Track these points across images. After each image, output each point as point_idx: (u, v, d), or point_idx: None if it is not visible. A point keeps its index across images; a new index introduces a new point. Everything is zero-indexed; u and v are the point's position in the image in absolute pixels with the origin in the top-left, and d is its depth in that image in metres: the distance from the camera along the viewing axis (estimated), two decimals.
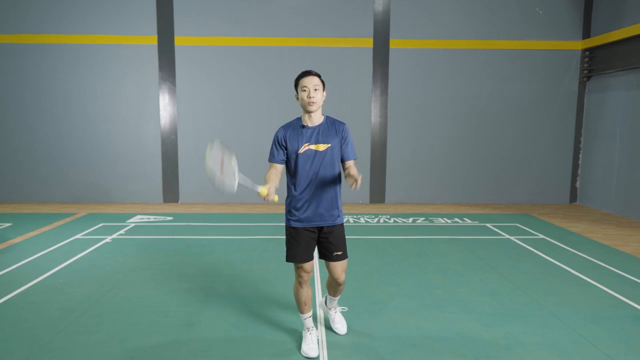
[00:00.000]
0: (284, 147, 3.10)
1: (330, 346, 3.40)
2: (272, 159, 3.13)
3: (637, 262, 5.46)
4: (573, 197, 9.63)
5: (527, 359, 3.23)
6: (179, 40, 9.02)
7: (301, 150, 3.06)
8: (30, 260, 5.34)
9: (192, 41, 9.03)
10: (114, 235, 6.53)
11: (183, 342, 3.45)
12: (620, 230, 7.16)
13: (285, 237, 3.22)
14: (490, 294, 4.41)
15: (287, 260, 3.19)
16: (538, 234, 6.79)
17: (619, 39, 8.23)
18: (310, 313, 3.35)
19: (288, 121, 3.24)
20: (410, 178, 9.46)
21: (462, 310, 4.03)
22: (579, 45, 9.24)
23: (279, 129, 3.15)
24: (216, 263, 5.34)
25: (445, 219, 7.85)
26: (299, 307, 3.33)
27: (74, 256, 5.52)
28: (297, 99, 3.10)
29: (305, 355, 3.23)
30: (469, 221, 7.66)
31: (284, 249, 3.23)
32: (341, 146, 3.14)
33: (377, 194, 9.45)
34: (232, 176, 2.77)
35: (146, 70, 9.06)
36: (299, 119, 3.16)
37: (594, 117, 9.17)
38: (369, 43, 9.13)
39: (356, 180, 2.85)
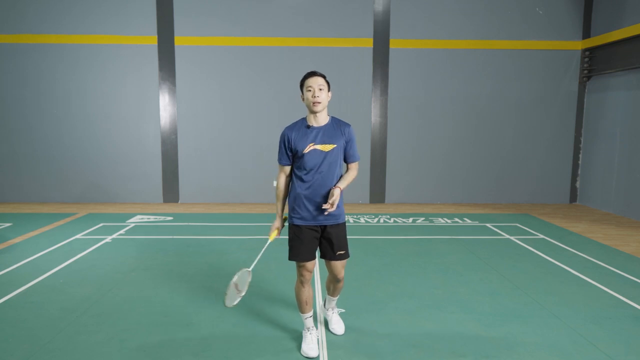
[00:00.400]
0: (290, 147, 3.14)
1: (330, 346, 3.40)
2: (280, 161, 3.21)
3: (637, 262, 5.46)
4: (573, 197, 9.63)
5: (527, 359, 3.23)
6: (179, 40, 9.02)
7: (306, 150, 3.09)
8: (30, 260, 5.34)
9: (192, 41, 9.03)
10: (114, 235, 6.53)
11: (183, 342, 3.45)
12: (620, 230, 7.16)
13: (287, 235, 3.26)
14: (490, 294, 4.41)
15: (290, 258, 3.21)
16: (538, 234, 6.79)
17: (619, 39, 8.23)
18: (311, 313, 3.36)
19: (292, 121, 3.27)
20: (410, 178, 9.46)
21: (462, 310, 4.03)
22: (579, 45, 9.24)
23: (285, 129, 3.18)
24: (216, 263, 5.34)
25: (445, 219, 7.85)
26: (300, 307, 3.33)
27: (74, 256, 5.52)
28: (303, 99, 3.13)
29: (305, 355, 3.23)
30: (469, 221, 7.66)
31: (285, 248, 3.24)
32: (345, 147, 3.19)
33: (377, 194, 9.45)
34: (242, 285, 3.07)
35: (146, 70, 9.07)
36: (304, 119, 3.19)
37: (594, 117, 9.17)
38: (369, 43, 9.13)
39: (332, 205, 2.98)
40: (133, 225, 7.23)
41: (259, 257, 3.16)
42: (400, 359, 3.23)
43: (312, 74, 3.09)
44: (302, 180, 3.14)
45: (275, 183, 3.21)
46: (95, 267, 5.13)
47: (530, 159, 9.50)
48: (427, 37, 9.16)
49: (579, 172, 9.56)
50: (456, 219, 7.80)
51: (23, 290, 4.42)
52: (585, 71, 9.18)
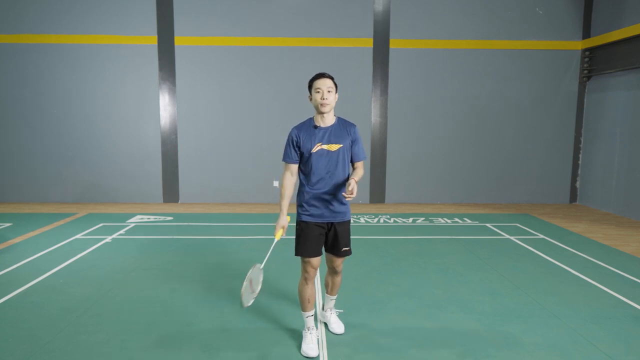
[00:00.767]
0: (298, 147, 3.21)
1: (330, 346, 3.40)
2: (287, 159, 3.25)
3: (637, 262, 5.46)
4: (573, 197, 9.63)
5: (527, 359, 3.23)
6: (179, 40, 9.02)
7: (314, 150, 3.17)
8: (30, 260, 5.34)
9: (192, 41, 9.03)
10: (114, 235, 6.53)
11: (183, 342, 3.45)
12: (620, 230, 7.16)
13: (295, 231, 3.31)
14: (490, 294, 4.41)
15: (297, 254, 3.26)
16: (538, 234, 6.79)
17: (619, 39, 8.23)
18: (312, 312, 3.39)
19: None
20: (410, 178, 9.46)
21: (462, 310, 4.03)
22: (579, 45, 9.24)
23: (292, 129, 3.24)
24: (216, 263, 5.34)
25: (445, 219, 7.85)
26: (302, 304, 3.36)
27: (74, 256, 5.52)
28: (310, 100, 3.20)
29: (305, 355, 3.24)
30: (469, 221, 7.66)
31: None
32: (351, 147, 3.27)
33: (377, 194, 9.45)
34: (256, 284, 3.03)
35: (146, 70, 9.07)
36: (312, 119, 3.26)
37: (594, 117, 9.17)
38: (369, 43, 9.13)
39: (352, 193, 2.99)
40: (133, 225, 7.23)
41: (268, 255, 3.17)
42: (400, 359, 3.23)
43: (321, 75, 3.16)
44: (310, 178, 3.22)
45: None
46: (95, 267, 5.13)
47: (530, 159, 9.50)
48: (427, 37, 9.16)
49: (579, 172, 9.56)
50: (456, 219, 7.80)
51: (23, 290, 4.42)
52: (585, 71, 9.18)
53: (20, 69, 8.96)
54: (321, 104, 3.13)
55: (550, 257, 5.63)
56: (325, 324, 3.71)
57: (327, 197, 3.21)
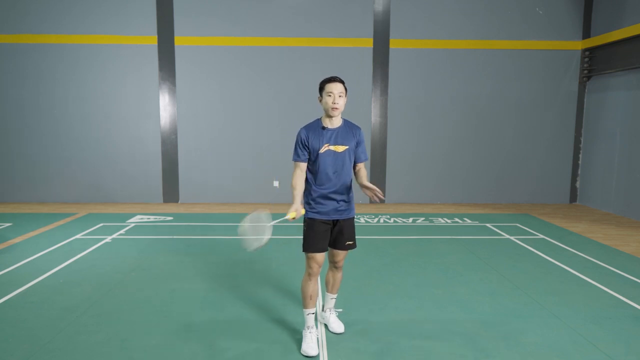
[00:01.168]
0: (307, 146, 3.32)
1: (330, 345, 3.40)
2: (297, 158, 3.36)
3: (637, 262, 5.46)
4: (573, 197, 9.63)
5: (527, 359, 3.23)
6: (179, 40, 9.02)
7: (322, 150, 3.29)
8: (30, 260, 5.34)
9: (192, 41, 9.03)
10: (114, 235, 6.53)
11: (183, 342, 3.45)
12: (620, 230, 7.16)
13: (302, 228, 3.41)
14: (490, 294, 4.41)
15: (304, 250, 3.35)
16: (538, 234, 6.79)
17: (619, 39, 8.23)
18: (314, 310, 3.42)
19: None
20: (410, 178, 9.46)
21: (462, 310, 4.03)
22: (579, 45, 9.24)
23: (301, 129, 3.35)
24: (216, 263, 5.34)
25: (445, 219, 7.85)
26: (304, 301, 3.40)
27: (74, 256, 5.52)
28: (320, 101, 3.29)
29: (305, 354, 3.25)
30: (469, 221, 7.66)
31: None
32: (356, 149, 3.39)
33: None
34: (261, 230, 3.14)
35: (146, 70, 9.07)
36: (319, 120, 3.37)
37: (594, 117, 9.17)
38: (369, 43, 9.13)
39: (375, 193, 3.13)
40: (133, 225, 7.23)
41: (275, 222, 3.21)
42: (400, 359, 3.23)
43: (334, 79, 3.24)
44: (317, 178, 3.33)
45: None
46: (95, 267, 5.13)
47: (530, 159, 9.50)
48: (427, 37, 9.16)
49: (579, 172, 9.56)
50: (456, 219, 7.80)
51: (23, 290, 4.42)
52: (585, 71, 9.18)
53: (20, 69, 8.96)
54: (332, 108, 3.23)
55: (550, 257, 5.63)
56: (326, 325, 3.71)
57: (333, 195, 3.33)
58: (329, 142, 3.30)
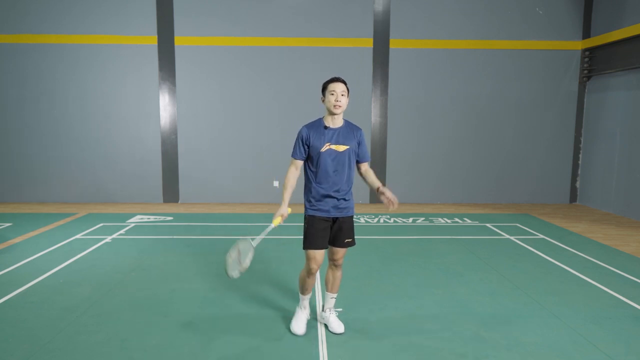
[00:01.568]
0: (307, 145, 3.39)
1: (330, 345, 3.40)
2: (295, 155, 3.43)
3: (637, 262, 5.46)
4: (573, 197, 9.63)
5: (527, 359, 3.23)
6: (179, 40, 9.02)
7: (323, 149, 3.36)
8: (30, 260, 5.34)
9: (192, 41, 9.03)
10: (114, 235, 6.53)
11: (183, 342, 3.45)
12: (620, 230, 7.16)
13: (303, 226, 3.48)
14: (490, 294, 4.41)
15: (304, 247, 3.43)
16: (538, 234, 6.79)
17: (619, 39, 8.23)
18: (309, 296, 3.65)
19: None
20: (410, 178, 9.46)
21: (462, 310, 4.03)
22: (579, 45, 9.24)
23: (303, 128, 3.42)
24: (216, 263, 5.34)
25: (445, 219, 7.85)
26: (301, 288, 3.61)
27: (74, 256, 5.52)
28: (323, 101, 3.39)
29: (292, 332, 3.51)
30: (469, 221, 7.66)
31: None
32: (357, 149, 3.47)
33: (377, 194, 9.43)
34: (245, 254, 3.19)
35: (146, 70, 9.07)
36: (321, 119, 3.45)
37: (594, 117, 9.17)
38: (369, 43, 9.13)
39: (392, 203, 3.34)
40: (133, 225, 7.23)
41: (261, 237, 3.26)
42: (400, 359, 3.23)
43: (337, 79, 3.34)
44: (317, 176, 3.40)
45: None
46: (95, 267, 5.13)
47: (530, 159, 9.50)
48: (427, 37, 9.16)
49: (579, 172, 9.56)
50: (456, 219, 7.80)
51: (23, 290, 4.42)
52: (585, 71, 9.18)
53: (20, 69, 8.96)
54: (334, 106, 3.31)
55: (550, 257, 5.63)
56: (326, 325, 3.70)
57: (333, 193, 3.39)
58: (331, 142, 3.37)
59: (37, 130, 9.11)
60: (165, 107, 9.17)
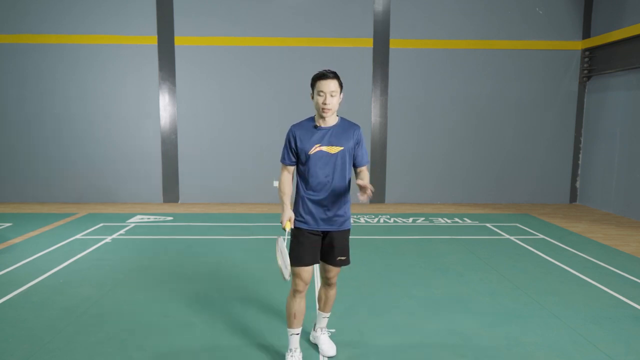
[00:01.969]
0: (295, 147, 2.99)
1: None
2: (283, 160, 3.06)
3: (637, 262, 5.46)
4: (573, 197, 9.63)
5: (527, 359, 3.23)
6: (179, 40, 9.02)
7: (312, 152, 2.94)
8: (30, 260, 5.34)
9: (192, 41, 9.03)
10: (114, 235, 6.53)
11: (183, 342, 3.45)
12: (620, 230, 7.16)
13: (289, 239, 3.05)
14: (490, 294, 4.41)
15: (291, 264, 2.95)
16: (538, 234, 6.79)
17: (619, 39, 8.23)
18: (299, 330, 3.12)
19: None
20: (410, 178, 9.46)
21: (462, 310, 4.03)
22: (579, 45, 9.24)
23: (291, 127, 3.02)
24: (216, 263, 5.34)
25: (445, 219, 7.85)
26: (288, 320, 3.09)
27: (74, 256, 5.52)
28: (312, 97, 2.97)
29: None
30: (469, 221, 7.66)
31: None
32: (354, 150, 3.03)
33: (377, 194, 9.44)
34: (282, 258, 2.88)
35: (146, 70, 9.06)
36: (312, 118, 3.03)
37: (594, 117, 9.17)
38: (369, 43, 9.13)
39: (366, 191, 2.80)
40: (133, 225, 7.23)
41: (286, 237, 2.94)
42: (399, 359, 3.23)
43: (325, 76, 2.88)
44: (307, 183, 2.99)
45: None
46: (95, 267, 5.13)
47: (530, 159, 9.50)
48: (427, 37, 9.16)
49: (579, 172, 9.56)
50: (456, 219, 7.80)
51: (23, 290, 4.42)
52: (585, 71, 9.18)
53: (20, 69, 8.96)
54: (323, 109, 2.90)
55: (550, 257, 5.63)
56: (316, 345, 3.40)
57: (324, 203, 2.97)
58: (321, 143, 2.94)
59: (37, 131, 9.11)
60: (165, 107, 9.16)
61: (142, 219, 7.71)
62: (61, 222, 7.36)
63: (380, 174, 9.41)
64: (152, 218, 7.78)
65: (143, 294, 4.38)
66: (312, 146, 2.95)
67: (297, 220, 3.01)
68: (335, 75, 2.91)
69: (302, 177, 3.03)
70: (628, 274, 5.02)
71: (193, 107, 9.20)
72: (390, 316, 3.91)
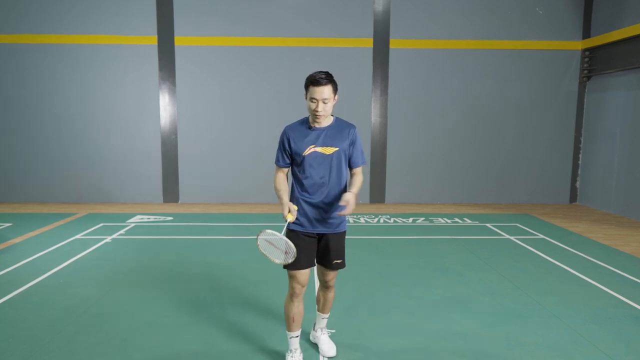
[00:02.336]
0: (289, 148, 2.95)
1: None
2: (277, 162, 3.02)
3: (637, 262, 5.46)
4: (573, 197, 9.63)
5: (527, 359, 3.23)
6: (179, 40, 9.02)
7: (306, 153, 2.90)
8: (30, 260, 5.34)
9: (192, 41, 9.03)
10: (114, 235, 6.53)
11: (183, 342, 3.45)
12: (620, 230, 7.16)
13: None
14: (490, 294, 4.41)
15: (285, 266, 2.94)
16: (538, 234, 6.79)
17: (619, 39, 8.23)
18: (298, 333, 3.11)
19: (292, 121, 3.07)
20: (410, 178, 9.46)
21: (462, 310, 4.03)
22: (579, 45, 9.24)
23: (285, 128, 3.00)
24: (216, 263, 5.34)
25: (445, 219, 7.85)
26: (287, 323, 3.08)
27: (74, 256, 5.52)
28: (306, 99, 2.92)
29: None
30: (469, 221, 7.66)
31: (280, 266, 3.01)
32: (349, 151, 2.99)
33: (377, 194, 9.45)
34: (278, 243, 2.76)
35: (146, 70, 9.06)
36: (307, 118, 3.00)
37: (594, 117, 9.17)
38: (369, 43, 9.13)
39: (346, 210, 2.77)
40: (133, 225, 7.23)
41: (283, 232, 2.77)
42: (399, 359, 3.23)
43: (318, 82, 2.79)
44: (302, 184, 2.95)
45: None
46: (95, 267, 5.13)
47: (530, 159, 9.50)
48: (427, 37, 9.16)
49: (579, 172, 9.56)
50: (456, 219, 7.80)
51: (23, 290, 4.42)
52: (585, 71, 9.18)
53: (20, 69, 8.96)
54: (315, 116, 2.86)
55: (550, 257, 5.63)
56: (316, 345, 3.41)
57: (320, 205, 2.93)
58: (316, 143, 2.91)
59: (38, 130, 9.11)
60: (165, 107, 9.16)
61: (142, 219, 7.71)
62: (61, 222, 7.36)
63: (380, 174, 9.41)
64: (152, 218, 7.78)
65: (143, 294, 4.38)
66: (307, 147, 2.91)
67: (292, 222, 2.95)
68: (329, 80, 2.83)
69: (297, 178, 2.99)
70: (628, 274, 5.02)
71: (193, 107, 9.20)
72: (390, 316, 3.91)
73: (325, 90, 2.81)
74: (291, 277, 2.98)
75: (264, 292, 4.44)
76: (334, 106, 2.94)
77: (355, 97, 9.20)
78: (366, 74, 9.19)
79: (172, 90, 9.13)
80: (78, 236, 6.48)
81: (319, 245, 3.04)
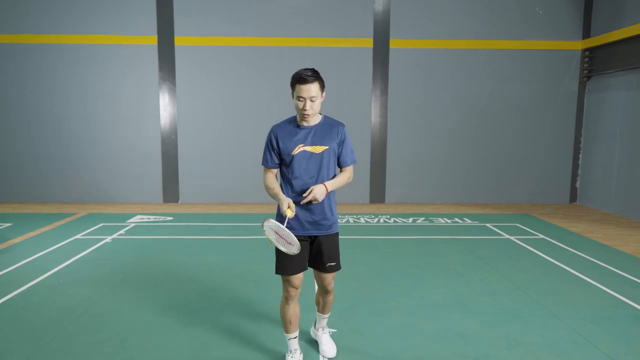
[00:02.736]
0: (277, 148, 2.88)
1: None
2: (265, 162, 2.94)
3: (637, 262, 5.46)
4: (573, 197, 9.63)
5: (527, 359, 3.23)
6: (179, 40, 9.01)
7: (295, 152, 2.84)
8: (30, 260, 5.34)
9: (192, 41, 9.03)
10: (114, 235, 6.53)
11: (183, 342, 3.45)
12: (620, 230, 7.15)
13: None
14: (490, 294, 4.41)
15: (277, 272, 2.93)
16: (538, 234, 6.79)
17: (619, 39, 8.23)
18: (296, 334, 3.10)
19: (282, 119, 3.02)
20: (410, 178, 9.46)
21: (462, 310, 4.03)
22: (579, 45, 9.24)
23: (272, 128, 2.94)
24: (216, 263, 5.34)
25: (445, 219, 7.85)
26: (284, 326, 3.06)
27: (74, 256, 5.52)
28: (293, 97, 2.88)
29: None
30: (469, 221, 7.66)
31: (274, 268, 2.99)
32: (339, 149, 2.93)
33: (377, 194, 9.45)
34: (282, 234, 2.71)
35: (146, 70, 9.06)
36: (295, 117, 2.95)
37: (594, 117, 9.17)
38: (369, 43, 9.13)
39: (306, 200, 2.73)
40: (133, 225, 7.23)
41: (284, 225, 2.72)
42: (400, 359, 3.23)
43: (305, 80, 2.75)
44: (291, 185, 2.88)
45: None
46: (95, 267, 5.13)
47: (530, 159, 9.50)
48: (427, 37, 9.16)
49: (579, 172, 9.56)
50: (456, 219, 7.80)
51: (23, 290, 4.42)
52: (585, 71, 9.17)
53: (20, 69, 8.96)
54: (303, 115, 2.81)
55: (550, 257, 5.63)
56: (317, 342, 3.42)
57: (310, 206, 2.85)
58: (304, 142, 2.84)
59: (37, 130, 9.11)
60: (165, 107, 9.16)
61: (142, 219, 7.71)
62: (61, 222, 7.36)
63: (380, 174, 9.41)
64: (152, 218, 7.78)
65: (143, 294, 4.38)
66: (295, 146, 2.85)
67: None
68: (315, 78, 2.78)
69: (286, 179, 2.92)
70: (628, 274, 5.02)
71: (193, 107, 9.20)
72: (390, 316, 3.91)
73: (312, 88, 2.76)
74: (285, 282, 2.95)
75: (264, 292, 4.44)
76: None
77: (355, 97, 9.20)
78: (366, 74, 9.19)
79: (172, 90, 9.13)
80: (78, 236, 6.48)
81: (311, 249, 2.97)
